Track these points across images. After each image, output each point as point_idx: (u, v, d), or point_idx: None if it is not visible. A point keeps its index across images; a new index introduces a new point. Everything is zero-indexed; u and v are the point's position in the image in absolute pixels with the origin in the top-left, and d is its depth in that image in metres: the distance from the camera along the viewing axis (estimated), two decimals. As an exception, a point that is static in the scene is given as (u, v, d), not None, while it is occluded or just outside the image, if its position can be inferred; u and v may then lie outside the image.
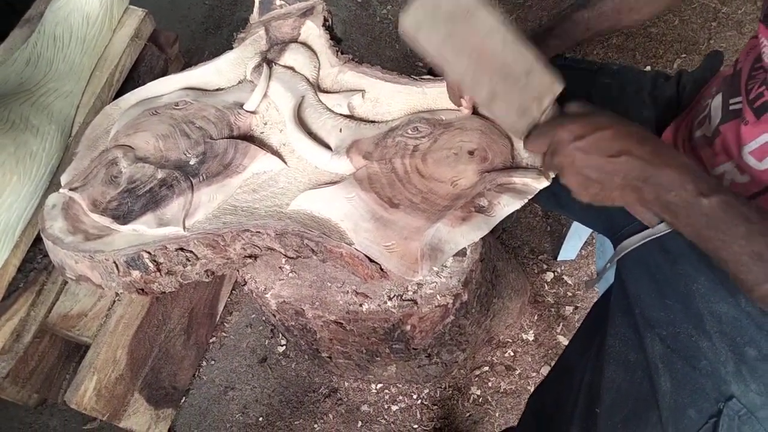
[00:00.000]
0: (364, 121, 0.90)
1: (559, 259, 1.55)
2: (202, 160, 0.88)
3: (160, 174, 0.86)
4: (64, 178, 0.91)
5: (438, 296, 0.92)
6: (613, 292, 0.80)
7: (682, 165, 0.55)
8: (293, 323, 1.04)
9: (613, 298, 0.79)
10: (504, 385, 1.42)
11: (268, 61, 0.99)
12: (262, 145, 0.91)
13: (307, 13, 1.05)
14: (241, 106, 0.95)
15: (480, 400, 1.41)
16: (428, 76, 0.90)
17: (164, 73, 1.26)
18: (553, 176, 0.77)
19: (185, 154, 0.89)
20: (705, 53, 1.87)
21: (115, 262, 0.81)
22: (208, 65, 1.02)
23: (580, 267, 1.55)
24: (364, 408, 1.40)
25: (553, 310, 1.50)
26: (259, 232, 0.79)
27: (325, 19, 1.04)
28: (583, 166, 0.59)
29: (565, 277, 1.54)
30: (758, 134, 0.61)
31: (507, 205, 0.74)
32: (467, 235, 0.73)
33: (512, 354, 1.44)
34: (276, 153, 0.89)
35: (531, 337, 1.46)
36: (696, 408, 0.64)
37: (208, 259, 0.85)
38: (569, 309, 1.49)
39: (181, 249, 0.81)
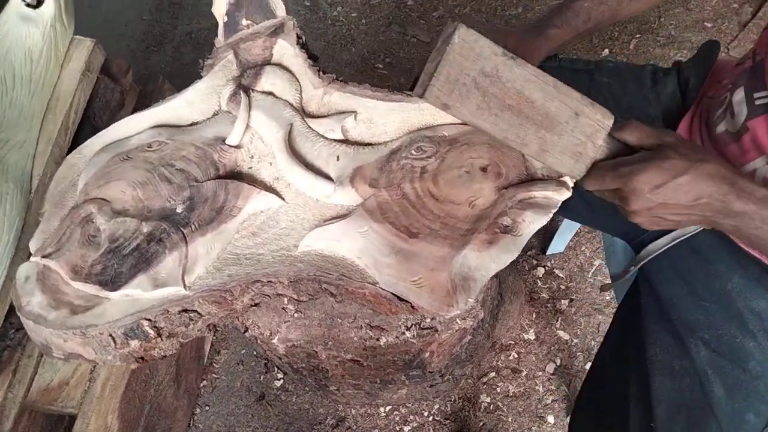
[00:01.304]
0: (361, 144, 0.85)
1: (548, 253, 1.56)
2: (191, 207, 0.81)
3: (146, 227, 0.79)
4: (33, 244, 0.82)
5: (458, 320, 0.89)
6: (642, 298, 0.79)
7: (762, 198, 0.55)
8: (303, 365, 0.99)
9: (644, 304, 0.78)
10: (512, 388, 1.41)
11: (244, 88, 0.92)
12: (253, 181, 0.85)
13: (277, 31, 0.98)
14: (222, 140, 0.88)
15: (491, 407, 1.39)
16: (422, 91, 0.86)
17: (121, 106, 1.16)
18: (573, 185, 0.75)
19: (169, 202, 0.82)
20: (658, 32, 1.92)
21: (111, 335, 0.73)
22: (177, 98, 0.94)
23: (569, 259, 1.56)
24: (376, 433, 1.36)
25: (549, 305, 1.50)
26: (270, 281, 0.73)
27: (299, 37, 0.98)
28: (659, 211, 0.58)
29: (557, 271, 1.55)
30: None
31: (532, 222, 0.72)
32: (497, 259, 0.70)
33: (516, 356, 1.44)
34: (270, 189, 0.83)
35: (532, 337, 1.46)
36: (754, 411, 0.63)
37: (211, 314, 0.78)
38: (565, 302, 1.50)
39: (185, 310, 0.74)
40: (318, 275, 0.72)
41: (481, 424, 1.37)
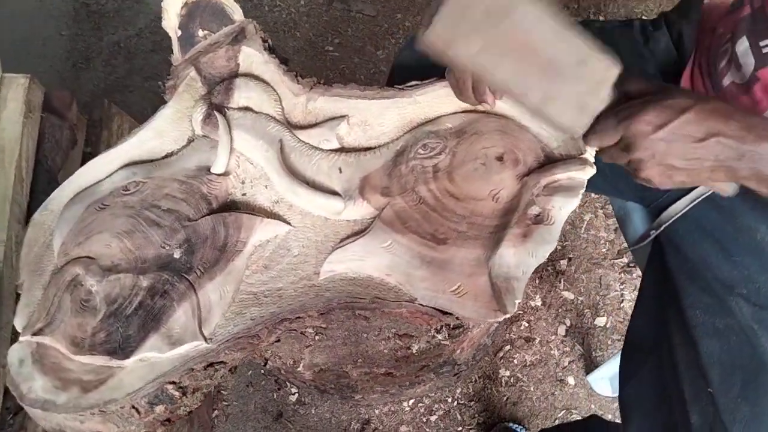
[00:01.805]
0: (361, 150, 0.79)
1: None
2: (190, 250, 0.74)
3: (145, 281, 0.72)
4: (18, 322, 0.74)
5: (489, 312, 0.86)
6: (670, 261, 0.78)
7: None
8: (333, 386, 0.95)
9: (673, 268, 0.77)
10: (529, 357, 1.42)
11: (217, 107, 0.84)
12: (251, 209, 0.78)
13: (238, 37, 0.90)
14: (207, 170, 0.81)
15: (512, 380, 1.40)
16: (413, 82, 0.81)
17: (73, 143, 1.06)
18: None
19: (164, 248, 0.74)
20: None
21: (134, 407, 0.67)
22: (144, 130, 0.86)
23: (560, 216, 1.56)
24: (403, 429, 1.34)
25: (549, 268, 1.50)
26: (300, 317, 0.68)
27: (264, 40, 0.91)
28: (668, 156, 0.54)
29: (550, 230, 1.54)
30: None
31: (563, 207, 0.69)
32: (536, 252, 0.67)
33: (527, 325, 1.44)
34: (272, 215, 0.77)
35: (539, 303, 1.46)
36: (807, 357, 0.64)
37: (236, 359, 0.73)
38: (563, 262, 1.50)
39: (210, 364, 0.68)
40: (349, 302, 0.68)
41: (505, 398, 1.38)
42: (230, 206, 0.79)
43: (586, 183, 0.70)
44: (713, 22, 0.79)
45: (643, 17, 0.86)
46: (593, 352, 1.44)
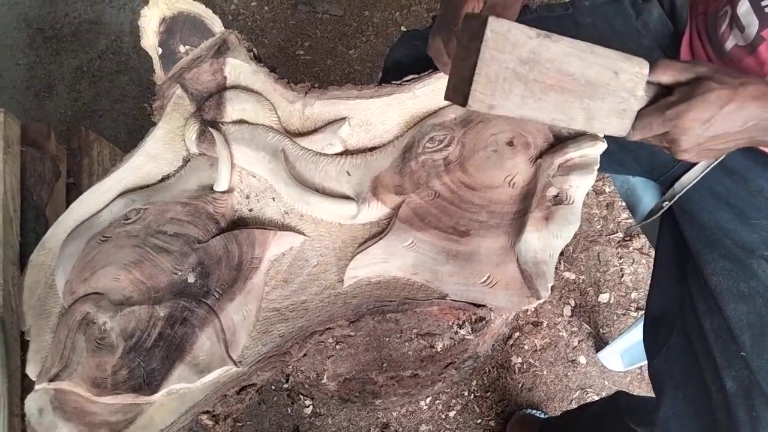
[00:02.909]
0: (366, 151, 0.79)
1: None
2: (204, 272, 0.72)
3: (162, 311, 0.70)
4: (31, 369, 0.71)
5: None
6: (686, 231, 0.79)
7: None
8: (357, 394, 0.94)
9: (690, 237, 0.78)
10: (538, 341, 1.43)
11: (210, 123, 0.82)
12: (262, 224, 0.77)
13: (221, 49, 0.89)
14: (210, 188, 0.79)
15: (525, 366, 1.40)
16: (411, 77, 0.80)
17: (57, 175, 1.02)
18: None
19: (176, 273, 0.72)
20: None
21: (169, 443, 0.65)
22: (137, 154, 0.83)
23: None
24: (423, 428, 1.34)
25: (548, 248, 1.51)
26: (329, 328, 0.67)
27: (249, 49, 0.89)
28: (710, 143, 0.57)
29: (544, 212, 1.55)
30: None
31: (580, 185, 0.69)
32: (560, 233, 0.67)
33: (533, 309, 1.45)
34: (284, 226, 0.76)
35: (543, 284, 1.47)
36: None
37: (264, 380, 0.71)
38: (561, 241, 1.52)
39: (243, 388, 0.67)
40: (379, 306, 0.67)
41: (520, 385, 1.39)
42: (239, 223, 0.77)
43: (599, 159, 0.71)
44: None
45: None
46: (600, 329, 1.46)
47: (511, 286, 0.65)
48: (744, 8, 0.68)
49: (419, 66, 0.80)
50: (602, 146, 0.71)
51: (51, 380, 0.68)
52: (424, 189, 0.72)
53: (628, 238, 1.56)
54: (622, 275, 1.52)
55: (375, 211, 0.73)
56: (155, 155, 0.83)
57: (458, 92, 0.54)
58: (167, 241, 0.75)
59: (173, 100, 0.86)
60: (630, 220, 1.60)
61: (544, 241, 0.67)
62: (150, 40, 0.87)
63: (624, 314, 1.48)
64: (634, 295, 1.50)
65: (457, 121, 0.77)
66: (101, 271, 0.73)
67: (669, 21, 0.83)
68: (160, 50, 0.87)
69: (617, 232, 1.57)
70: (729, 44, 0.71)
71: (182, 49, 0.89)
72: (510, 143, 0.72)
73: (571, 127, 0.59)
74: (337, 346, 0.88)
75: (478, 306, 0.66)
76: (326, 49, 1.83)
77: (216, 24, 0.89)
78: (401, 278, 0.69)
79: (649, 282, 1.51)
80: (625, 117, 0.60)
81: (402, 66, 0.86)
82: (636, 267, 1.53)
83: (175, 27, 0.87)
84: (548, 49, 0.53)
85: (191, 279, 0.72)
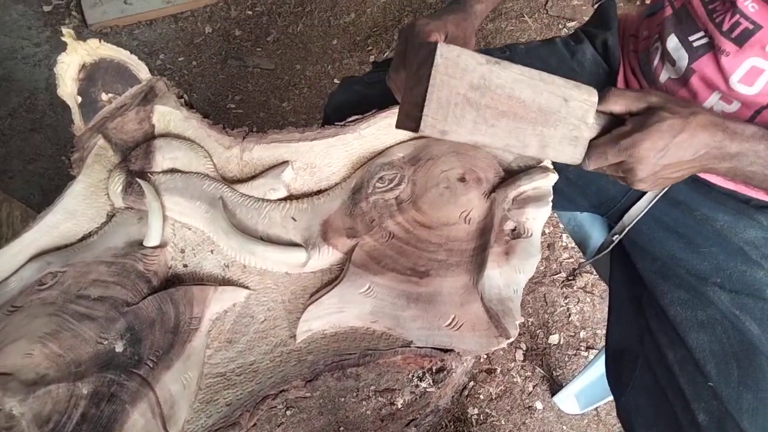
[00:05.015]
0: (312, 195, 0.75)
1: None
2: (134, 339, 0.64)
3: (85, 388, 0.61)
4: None
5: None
6: (638, 264, 0.80)
7: (752, 135, 0.58)
8: (314, 465, 0.85)
9: (643, 269, 0.79)
10: (493, 389, 1.39)
11: (137, 173, 0.76)
12: (199, 279, 0.70)
13: (148, 96, 0.84)
14: (139, 244, 0.71)
15: (481, 417, 1.36)
16: (354, 117, 0.78)
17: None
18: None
19: (101, 343, 0.64)
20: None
21: None
22: (52, 212, 0.75)
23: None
24: (383, 498, 1.25)
25: (496, 292, 1.50)
26: (283, 390, 0.61)
27: (179, 96, 0.85)
28: (664, 171, 0.58)
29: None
30: (743, 61, 0.65)
31: (536, 217, 0.69)
32: (522, 267, 0.65)
33: (485, 357, 1.42)
34: (225, 281, 0.70)
35: (494, 329, 1.45)
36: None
37: (210, 458, 0.63)
38: (508, 284, 1.51)
39: (186, 470, 0.58)
40: (337, 361, 0.62)
41: (480, 437, 1.33)
42: (174, 281, 0.70)
43: (551, 190, 0.71)
44: (631, 29, 0.85)
45: (558, 36, 0.91)
46: (553, 372, 1.45)
47: (478, 327, 0.62)
48: (673, 44, 0.71)
49: (361, 110, 0.79)
50: (554, 177, 0.71)
51: (-56, 485, 0.57)
52: (377, 230, 0.69)
53: (571, 278, 1.58)
54: (569, 315, 1.53)
55: (326, 256, 0.68)
56: (74, 212, 0.76)
57: (410, 118, 0.52)
58: (90, 306, 0.66)
59: (95, 151, 0.80)
60: (571, 260, 1.62)
61: (507, 277, 0.64)
62: (68, 88, 0.81)
63: (575, 354, 1.48)
64: (582, 334, 1.51)
65: (405, 160, 0.75)
66: (10, 347, 0.63)
67: (603, 61, 0.86)
68: (79, 99, 0.81)
69: (560, 272, 1.59)
70: (663, 77, 0.74)
71: (105, 97, 0.83)
72: (462, 179, 0.71)
73: (525, 154, 0.58)
74: (287, 412, 0.80)
75: (445, 351, 0.62)
76: (258, 102, 1.80)
77: (142, 70, 0.85)
78: (360, 328, 0.64)
79: (595, 320, 1.54)
80: (578, 144, 0.60)
81: (343, 110, 0.85)
82: (582, 306, 1.54)
83: (97, 74, 0.82)
84: (498, 76, 0.53)
85: (119, 348, 0.64)
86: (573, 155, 0.60)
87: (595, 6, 0.91)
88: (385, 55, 1.88)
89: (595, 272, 1.60)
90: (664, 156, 0.57)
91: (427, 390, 0.80)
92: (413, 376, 0.81)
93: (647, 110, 0.58)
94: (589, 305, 1.54)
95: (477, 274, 0.64)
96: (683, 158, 0.58)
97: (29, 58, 1.81)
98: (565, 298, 1.55)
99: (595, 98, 0.59)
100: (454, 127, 0.52)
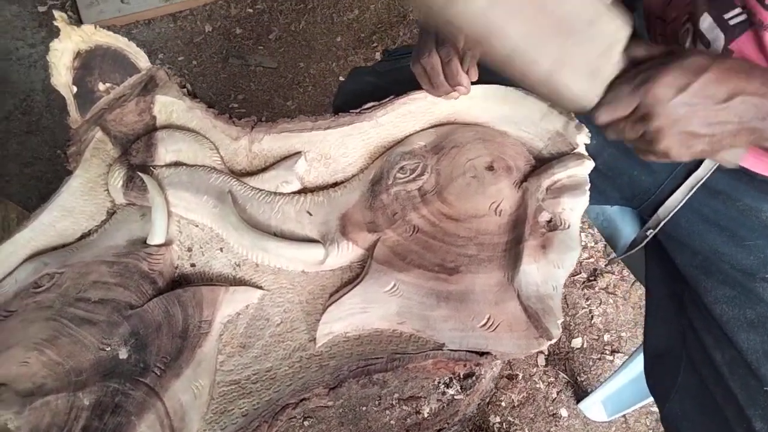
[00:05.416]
0: (328, 187, 0.70)
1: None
2: (140, 344, 0.60)
3: (87, 399, 0.56)
4: None
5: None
6: (676, 259, 0.75)
7: None
8: (333, 480, 0.80)
9: (683, 265, 0.74)
10: (516, 396, 1.34)
11: (139, 167, 0.72)
12: (209, 279, 0.66)
13: (148, 86, 0.80)
14: (143, 242, 0.67)
15: (504, 426, 1.31)
16: (371, 104, 0.74)
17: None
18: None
19: (104, 349, 0.59)
20: None
21: None
22: (48, 210, 0.71)
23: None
24: None
25: (514, 294, 1.45)
26: (304, 399, 0.56)
27: (182, 85, 0.80)
28: (690, 121, 0.51)
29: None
30: None
31: (574, 208, 0.64)
32: (561, 262, 0.60)
33: (507, 362, 1.37)
34: (237, 281, 0.65)
35: (513, 333, 1.40)
36: None
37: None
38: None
39: (198, 489, 0.54)
40: (363, 366, 0.57)
41: (502, 447, 1.28)
42: (181, 282, 0.65)
43: (588, 179, 0.66)
44: (657, 12, 0.80)
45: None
46: (578, 377, 1.40)
47: (516, 327, 0.57)
48: (706, 24, 0.67)
49: (374, 100, 0.74)
50: (590, 164, 0.66)
51: None
52: (400, 224, 0.64)
53: (593, 278, 1.53)
54: (592, 317, 1.48)
55: (346, 253, 0.64)
56: (71, 209, 0.71)
57: None
58: (90, 309, 0.62)
59: (92, 144, 0.76)
60: (591, 260, 1.58)
61: (545, 273, 0.60)
62: (62, 77, 0.76)
63: (599, 359, 1.43)
64: (606, 337, 1.46)
65: (427, 148, 0.70)
66: (4, 355, 0.59)
67: None
68: (75, 89, 0.77)
69: (580, 273, 1.54)
70: None
71: (102, 87, 0.79)
72: (490, 168, 0.66)
73: (533, 71, 0.53)
74: (305, 422, 0.76)
75: (481, 354, 0.57)
76: (262, 101, 1.76)
77: (141, 58, 0.81)
78: (385, 330, 0.60)
79: (619, 322, 1.49)
80: (595, 79, 0.54)
81: (354, 101, 0.80)
82: (605, 307, 1.50)
83: (93, 62, 0.78)
84: None
85: (123, 354, 0.59)
86: (588, 89, 0.54)
87: None
88: (392, 51, 1.85)
89: (616, 272, 1.56)
90: (687, 96, 0.49)
91: (455, 397, 0.76)
92: (439, 382, 0.76)
93: (671, 52, 0.52)
94: (612, 307, 1.49)
95: (512, 269, 0.60)
96: (710, 104, 0.50)
97: (24, 60, 1.77)
98: (587, 299, 1.50)
99: (627, 32, 0.53)
100: (462, 3, 0.47)
